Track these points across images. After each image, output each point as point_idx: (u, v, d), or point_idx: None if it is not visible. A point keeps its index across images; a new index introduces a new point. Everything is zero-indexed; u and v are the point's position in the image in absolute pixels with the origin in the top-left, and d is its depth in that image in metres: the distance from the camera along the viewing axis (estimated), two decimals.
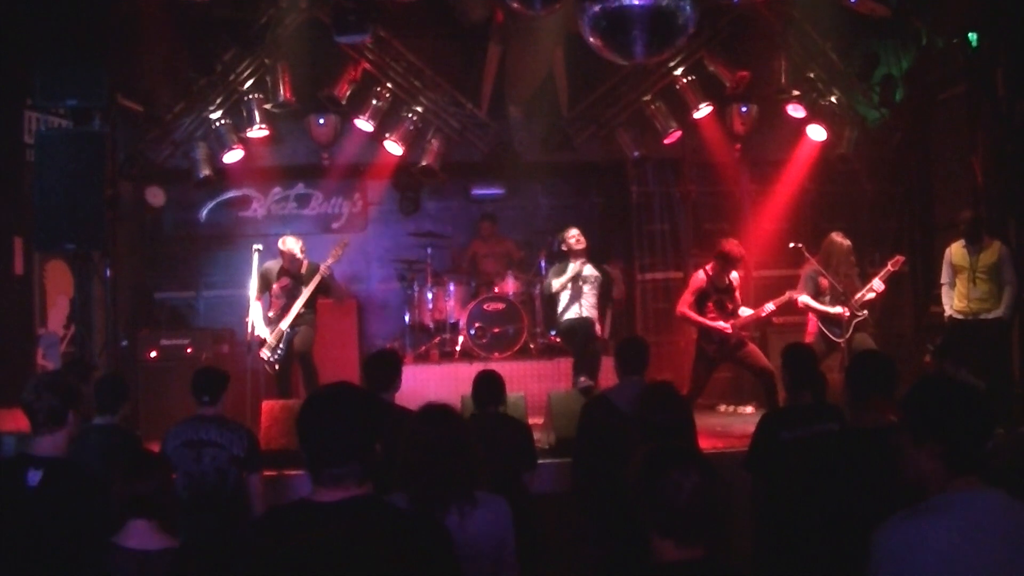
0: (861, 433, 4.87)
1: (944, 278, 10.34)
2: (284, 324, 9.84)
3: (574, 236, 10.51)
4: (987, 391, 7.30)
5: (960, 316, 10.13)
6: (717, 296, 9.87)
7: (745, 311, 9.98)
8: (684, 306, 9.96)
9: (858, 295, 10.05)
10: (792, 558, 5.48)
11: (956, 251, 10.22)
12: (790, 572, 5.55)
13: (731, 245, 9.82)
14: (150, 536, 4.08)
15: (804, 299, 10.20)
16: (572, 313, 10.35)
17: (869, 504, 4.03)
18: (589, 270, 10.49)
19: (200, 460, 6.28)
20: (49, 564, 4.24)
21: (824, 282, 10.13)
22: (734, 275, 10.00)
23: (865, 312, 10.12)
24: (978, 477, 3.13)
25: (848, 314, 9.98)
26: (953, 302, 10.21)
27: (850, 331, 9.97)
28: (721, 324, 9.81)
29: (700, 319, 9.87)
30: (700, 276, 9.96)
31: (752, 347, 10.01)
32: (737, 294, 10.02)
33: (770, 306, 10.03)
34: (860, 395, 4.98)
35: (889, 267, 10.15)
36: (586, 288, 10.43)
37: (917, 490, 3.20)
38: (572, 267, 10.40)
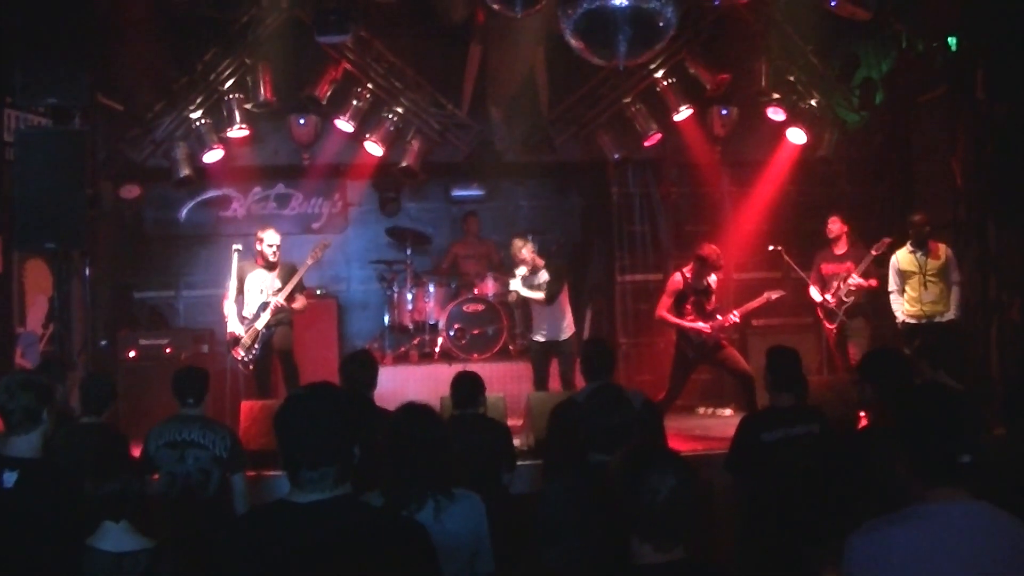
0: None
1: (891, 286, 10.55)
2: (260, 324, 9.81)
3: (521, 247, 10.64)
4: (966, 394, 7.35)
5: (913, 320, 10.37)
6: (696, 297, 9.89)
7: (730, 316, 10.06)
8: (663, 309, 9.98)
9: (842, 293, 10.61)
10: (775, 559, 5.50)
11: (903, 257, 10.45)
12: (773, 573, 5.57)
13: (709, 250, 9.81)
14: (124, 537, 4.06)
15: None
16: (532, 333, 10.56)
17: (853, 505, 4.04)
18: (540, 278, 10.58)
19: (183, 460, 6.27)
20: (25, 565, 4.21)
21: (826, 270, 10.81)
22: (712, 277, 10.03)
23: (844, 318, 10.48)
24: (958, 488, 3.07)
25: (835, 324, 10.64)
26: (904, 307, 10.42)
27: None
28: (700, 325, 9.84)
29: (678, 321, 9.89)
30: (677, 278, 9.97)
31: (731, 350, 10.04)
32: (714, 296, 10.06)
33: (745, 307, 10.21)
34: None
35: (872, 252, 10.48)
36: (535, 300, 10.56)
37: (900, 497, 3.18)
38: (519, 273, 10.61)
